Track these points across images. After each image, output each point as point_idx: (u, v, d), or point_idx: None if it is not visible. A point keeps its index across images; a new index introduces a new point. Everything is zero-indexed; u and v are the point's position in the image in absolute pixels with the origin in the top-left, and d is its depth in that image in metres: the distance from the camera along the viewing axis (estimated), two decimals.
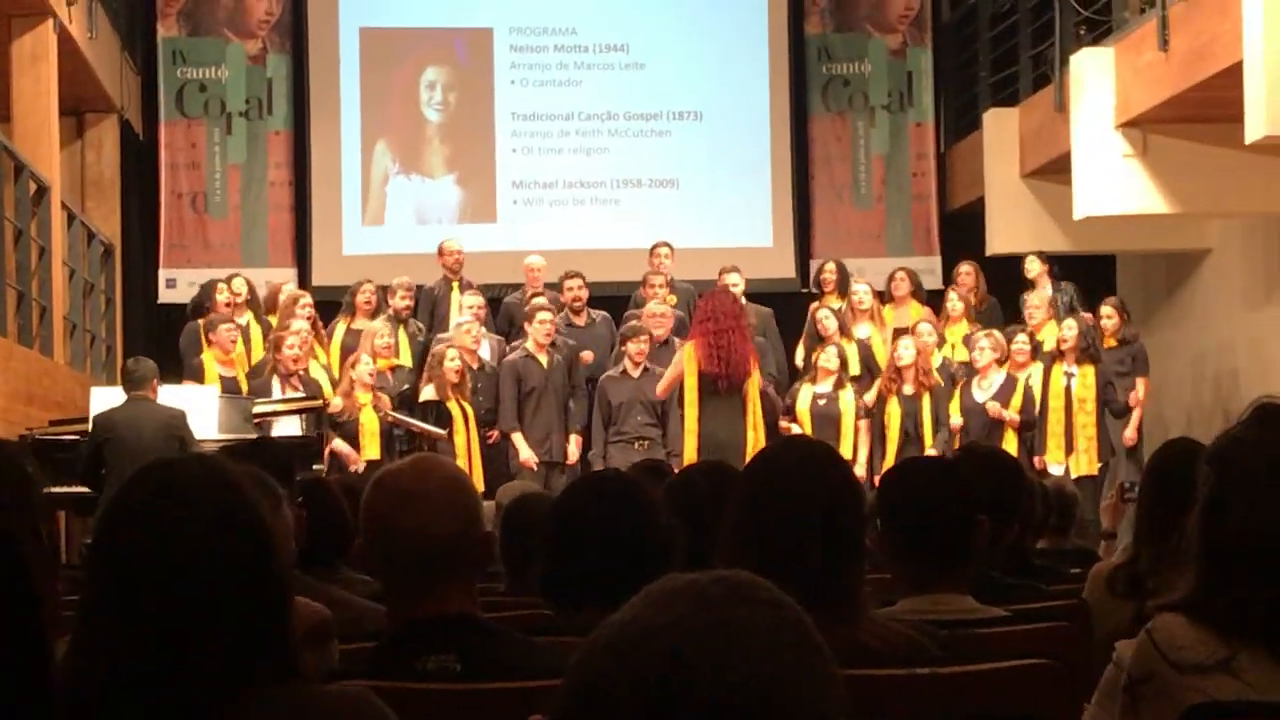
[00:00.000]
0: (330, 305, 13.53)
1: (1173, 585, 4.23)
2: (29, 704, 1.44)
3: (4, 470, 1.49)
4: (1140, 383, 12.46)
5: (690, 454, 10.89)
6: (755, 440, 10.95)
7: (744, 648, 1.28)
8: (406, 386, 12.26)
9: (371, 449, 11.63)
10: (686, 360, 11.30)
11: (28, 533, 1.49)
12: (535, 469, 11.86)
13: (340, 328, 13.05)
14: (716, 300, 11.56)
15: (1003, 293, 13.99)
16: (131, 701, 2.07)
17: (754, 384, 11.34)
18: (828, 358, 12.20)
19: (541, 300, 12.77)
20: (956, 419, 12.00)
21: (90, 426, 10.24)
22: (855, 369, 12.57)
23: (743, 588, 1.34)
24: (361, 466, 11.35)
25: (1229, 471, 2.67)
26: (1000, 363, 12.08)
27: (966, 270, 13.74)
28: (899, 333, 12.72)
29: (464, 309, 12.83)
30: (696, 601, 1.31)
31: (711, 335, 11.22)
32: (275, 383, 11.84)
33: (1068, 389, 11.84)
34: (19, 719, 1.41)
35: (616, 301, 13.65)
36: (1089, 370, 11.86)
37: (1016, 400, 11.91)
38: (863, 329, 13.08)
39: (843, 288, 13.61)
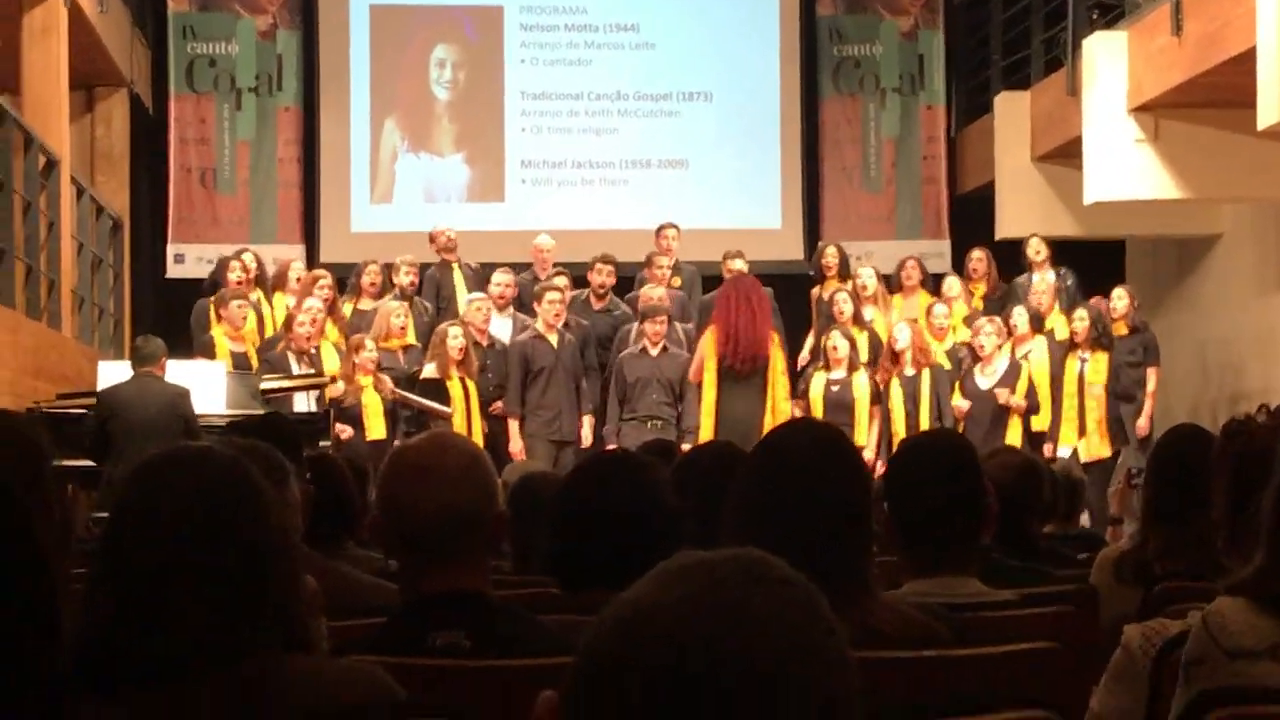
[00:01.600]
0: (340, 283, 13.52)
1: (1181, 571, 4.26)
2: (39, 662, 1.45)
3: (15, 443, 1.49)
4: (1151, 372, 12.47)
5: (707, 434, 11.04)
6: (771, 422, 11.01)
7: (753, 627, 1.28)
8: (416, 367, 12.26)
9: (376, 429, 11.61)
10: (706, 344, 11.49)
11: (38, 505, 1.49)
12: (520, 460, 11.77)
13: (347, 309, 13.04)
14: (736, 284, 11.77)
15: (1010, 277, 13.96)
16: (133, 662, 2.17)
17: (774, 366, 11.51)
18: (837, 344, 12.16)
19: (553, 281, 12.73)
20: (961, 403, 12.01)
21: (96, 402, 10.23)
22: (865, 355, 12.54)
23: (754, 566, 1.33)
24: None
25: None
26: (1001, 347, 12.09)
27: (979, 257, 13.73)
28: (910, 322, 12.68)
29: (494, 285, 12.85)
30: (707, 580, 1.31)
31: (728, 319, 11.43)
32: (291, 359, 11.84)
33: (1080, 375, 11.88)
34: (31, 677, 1.43)
35: (623, 283, 13.62)
36: (1101, 357, 11.91)
37: (1021, 385, 11.92)
38: (867, 314, 13.05)
39: (844, 272, 13.59)
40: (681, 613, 1.28)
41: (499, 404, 12.15)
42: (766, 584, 1.31)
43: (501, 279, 12.93)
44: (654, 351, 11.98)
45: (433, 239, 13.57)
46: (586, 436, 12.16)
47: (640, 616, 1.30)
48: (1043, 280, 12.94)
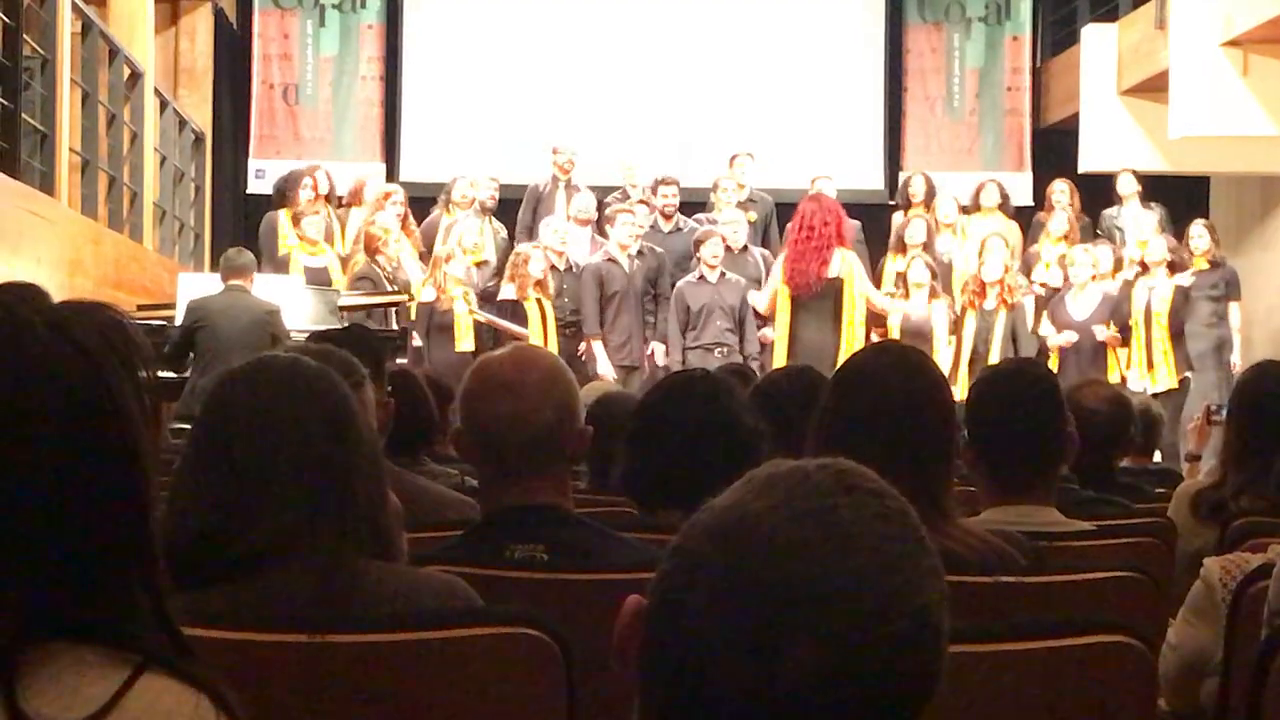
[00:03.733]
0: (418, 200, 13.55)
1: (1261, 509, 4.23)
2: (135, 555, 1.48)
3: (112, 336, 1.50)
4: (1234, 306, 12.35)
5: (779, 360, 10.99)
6: (849, 347, 10.96)
7: (846, 535, 1.28)
8: (491, 284, 12.29)
9: (465, 340, 11.62)
10: (778, 270, 11.49)
11: (133, 391, 1.51)
12: (612, 383, 11.78)
13: (444, 221, 13.04)
14: (808, 206, 11.64)
15: (1089, 211, 13.89)
16: (222, 558, 2.25)
17: (848, 290, 11.41)
18: (918, 272, 12.11)
19: (625, 205, 12.75)
20: (1055, 336, 11.96)
21: (185, 310, 10.23)
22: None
23: (847, 475, 1.33)
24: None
25: None
26: (1095, 278, 12.05)
27: (1063, 188, 13.65)
28: (982, 244, 12.61)
29: (574, 208, 12.85)
30: (800, 487, 1.31)
31: (796, 243, 11.37)
32: (382, 275, 11.88)
33: (1148, 305, 11.79)
34: (130, 566, 1.46)
35: (701, 207, 13.61)
36: (1169, 284, 11.84)
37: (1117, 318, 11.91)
38: (943, 241, 13.02)
39: (929, 202, 13.54)
40: (774, 518, 1.28)
41: (586, 344, 12.11)
42: (859, 493, 1.31)
43: (583, 202, 12.95)
44: (713, 278, 11.92)
45: (555, 151, 13.54)
46: (660, 359, 12.12)
47: (731, 521, 1.30)
48: (1142, 216, 12.84)
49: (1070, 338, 11.93)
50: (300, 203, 12.66)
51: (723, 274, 11.94)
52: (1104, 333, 11.86)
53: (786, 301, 11.45)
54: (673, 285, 12.30)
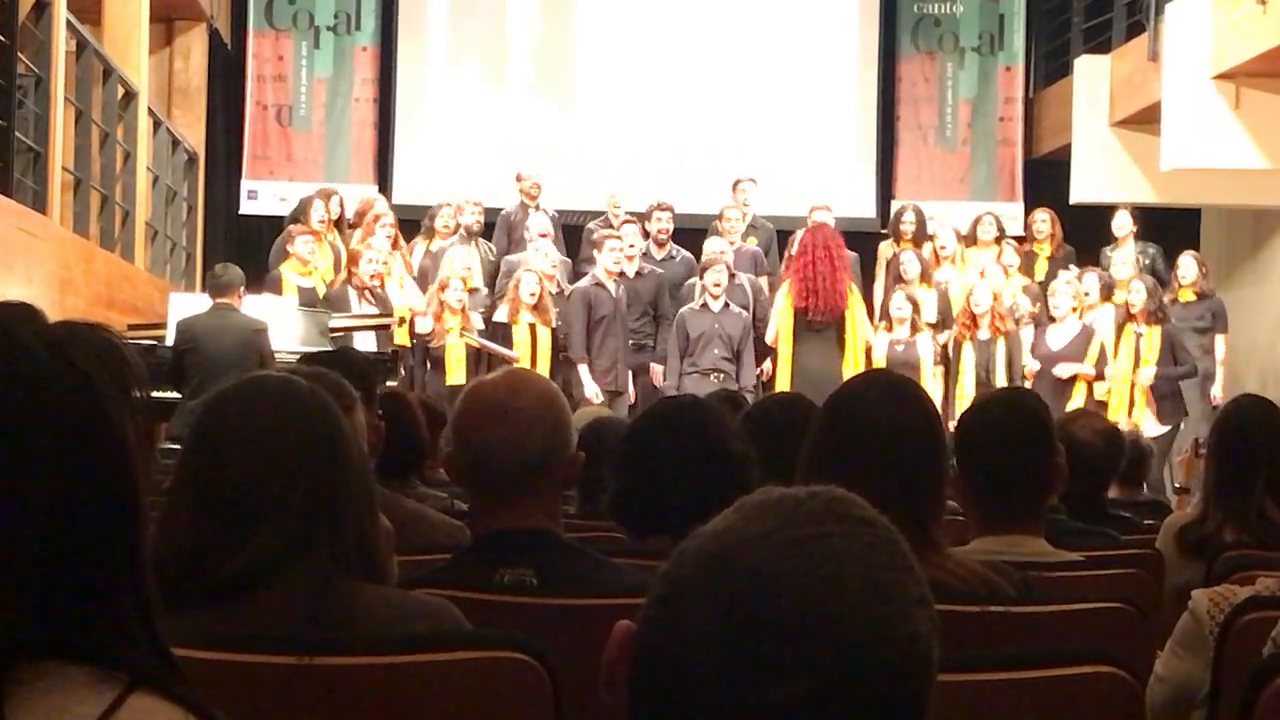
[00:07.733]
0: (412, 223, 13.57)
1: (1246, 542, 4.24)
2: (126, 575, 1.48)
3: (106, 357, 1.51)
4: (1220, 339, 12.36)
5: (784, 386, 11.03)
6: (852, 373, 10.98)
7: (836, 563, 1.28)
8: (482, 309, 12.29)
9: (456, 374, 11.65)
10: (783, 297, 11.52)
11: (124, 413, 1.51)
12: (596, 404, 11.78)
13: (420, 248, 13.09)
14: (813, 234, 11.73)
15: (1082, 241, 13.90)
16: (212, 579, 2.25)
17: (851, 318, 11.49)
18: (899, 305, 12.15)
19: (611, 229, 12.76)
20: (1032, 364, 11.95)
21: (175, 331, 10.24)
22: (931, 315, 12.51)
23: (838, 504, 1.33)
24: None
25: None
26: (1077, 310, 12.04)
27: (1044, 218, 13.69)
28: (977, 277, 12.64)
29: (535, 229, 12.88)
30: (792, 515, 1.31)
31: (803, 269, 11.42)
32: (352, 296, 11.91)
33: (1136, 350, 11.77)
34: (120, 585, 1.46)
35: (695, 235, 13.61)
36: (1155, 330, 11.79)
37: (1093, 353, 11.85)
38: (943, 273, 13.03)
39: (919, 236, 13.53)
40: (765, 546, 1.28)
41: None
42: (850, 522, 1.32)
43: (541, 223, 12.98)
44: (715, 306, 11.93)
45: (519, 178, 13.61)
46: (655, 380, 12.15)
47: (723, 548, 1.30)
48: (1123, 252, 12.85)
49: (1033, 366, 11.94)
50: (312, 224, 12.65)
51: (726, 304, 11.96)
52: (1067, 370, 11.82)
53: (790, 328, 11.50)
54: (673, 310, 12.35)
